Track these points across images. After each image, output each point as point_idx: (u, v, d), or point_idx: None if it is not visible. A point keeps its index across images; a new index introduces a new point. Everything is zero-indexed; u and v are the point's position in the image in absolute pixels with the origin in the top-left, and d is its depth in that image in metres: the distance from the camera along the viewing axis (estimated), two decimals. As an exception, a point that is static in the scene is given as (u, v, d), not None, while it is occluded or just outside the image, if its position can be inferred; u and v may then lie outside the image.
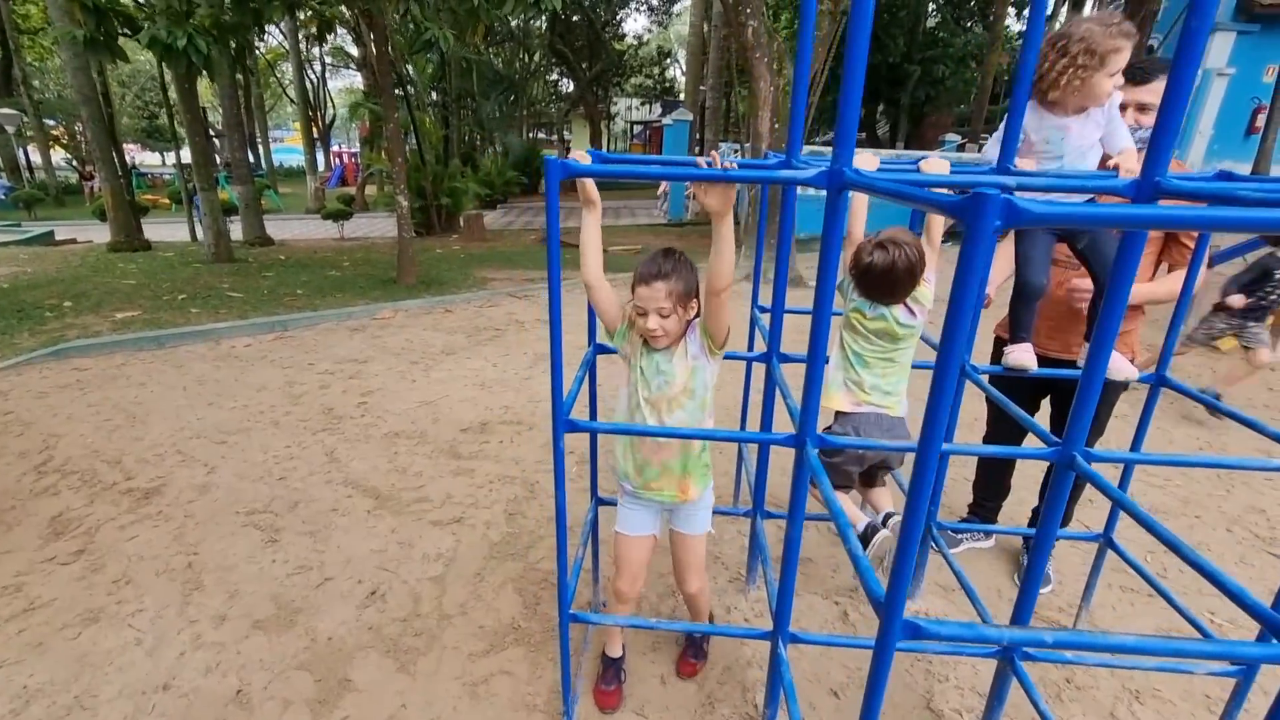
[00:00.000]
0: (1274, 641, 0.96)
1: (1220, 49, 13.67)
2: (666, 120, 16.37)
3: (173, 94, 10.95)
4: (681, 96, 27.48)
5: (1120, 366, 1.92)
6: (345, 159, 29.37)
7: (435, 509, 3.14)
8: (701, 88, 18.25)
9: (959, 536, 2.77)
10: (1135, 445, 2.03)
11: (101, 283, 7.80)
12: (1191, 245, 2.05)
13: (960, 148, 15.25)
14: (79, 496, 3.23)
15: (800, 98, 1.69)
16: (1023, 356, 2.05)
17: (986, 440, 2.74)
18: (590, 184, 1.51)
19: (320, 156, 27.90)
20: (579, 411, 1.81)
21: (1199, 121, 13.99)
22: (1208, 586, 2.58)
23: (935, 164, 1.79)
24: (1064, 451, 1.39)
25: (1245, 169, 12.22)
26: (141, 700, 2.05)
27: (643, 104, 36.41)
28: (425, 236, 12.65)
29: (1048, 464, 1.89)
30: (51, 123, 27.99)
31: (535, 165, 22.21)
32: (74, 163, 26.30)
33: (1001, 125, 1.79)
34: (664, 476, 1.75)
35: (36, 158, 25.31)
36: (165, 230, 12.99)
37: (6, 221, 14.93)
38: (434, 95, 17.18)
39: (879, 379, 2.04)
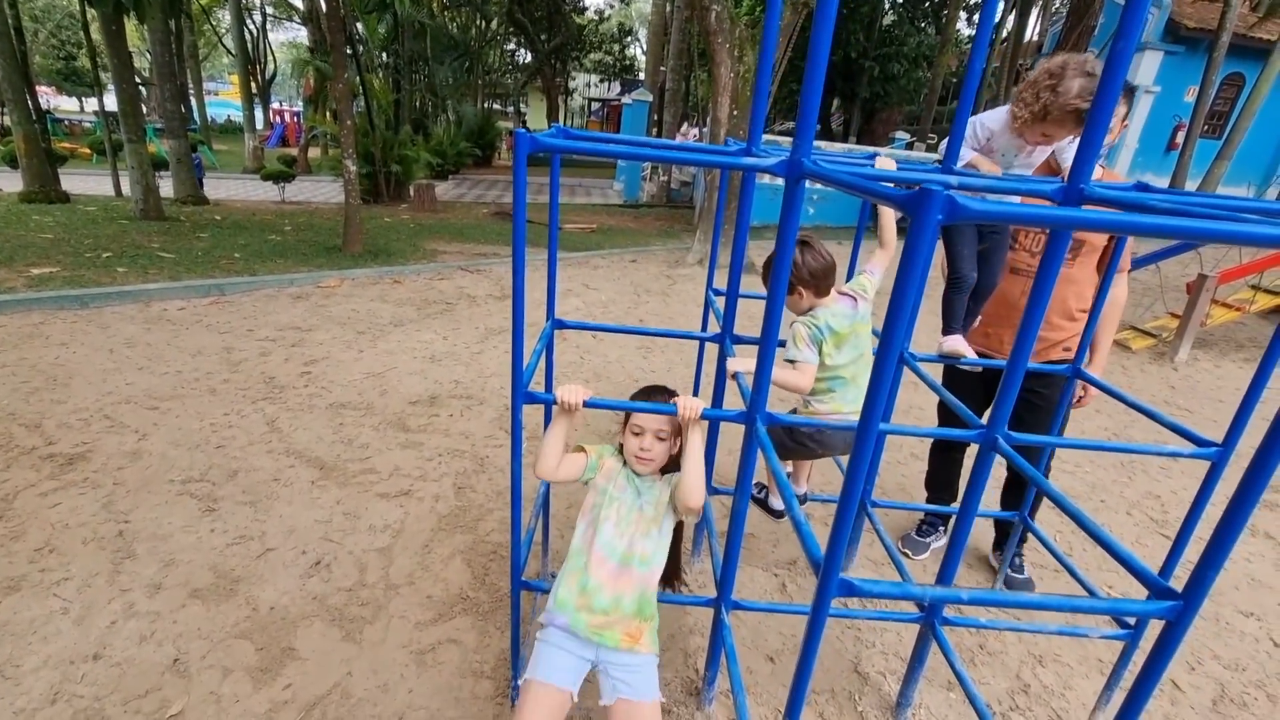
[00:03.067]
0: (1154, 600, 1.09)
1: (1148, 67, 14.50)
2: (626, 99, 16.25)
3: (96, 35, 10.16)
4: (641, 76, 27.27)
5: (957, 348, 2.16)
6: (287, 118, 27.93)
7: (382, 481, 3.11)
8: (662, 68, 18.17)
9: (926, 541, 2.85)
10: (1051, 431, 2.20)
11: (14, 235, 7.23)
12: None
13: (909, 146, 15.72)
14: (-7, 461, 3.05)
15: (763, 85, 1.73)
16: (955, 344, 2.18)
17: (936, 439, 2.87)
18: (576, 395, 1.53)
19: (259, 114, 26.41)
20: (536, 387, 1.83)
21: (1125, 136, 14.85)
22: (1109, 564, 2.84)
23: (885, 161, 1.89)
24: (988, 434, 1.51)
25: (1164, 182, 13.08)
26: (69, 669, 1.98)
27: (602, 81, 35.94)
28: (373, 204, 12.23)
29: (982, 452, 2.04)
30: (-49, 57, 25.55)
31: (489, 137, 21.69)
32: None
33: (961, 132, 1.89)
34: (613, 612, 1.51)
35: (-66, 94, 23.10)
36: (87, 182, 12.12)
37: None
38: (385, 57, 16.49)
39: (860, 388, 2.25)
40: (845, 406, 2.26)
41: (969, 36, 22.93)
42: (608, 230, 11.23)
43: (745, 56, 7.67)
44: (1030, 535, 2.45)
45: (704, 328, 2.53)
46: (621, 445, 1.67)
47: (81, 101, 37.87)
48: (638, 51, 35.82)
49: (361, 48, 13.74)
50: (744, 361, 1.88)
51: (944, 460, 2.84)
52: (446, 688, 2.01)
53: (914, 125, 20.60)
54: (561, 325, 2.10)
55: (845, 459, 2.56)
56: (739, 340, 2.10)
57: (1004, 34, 18.21)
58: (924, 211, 0.77)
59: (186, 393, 3.84)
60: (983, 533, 2.93)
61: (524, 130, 1.35)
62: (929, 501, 2.89)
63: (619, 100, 25.32)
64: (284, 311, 5.48)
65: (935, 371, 2.50)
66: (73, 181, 11.11)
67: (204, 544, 2.58)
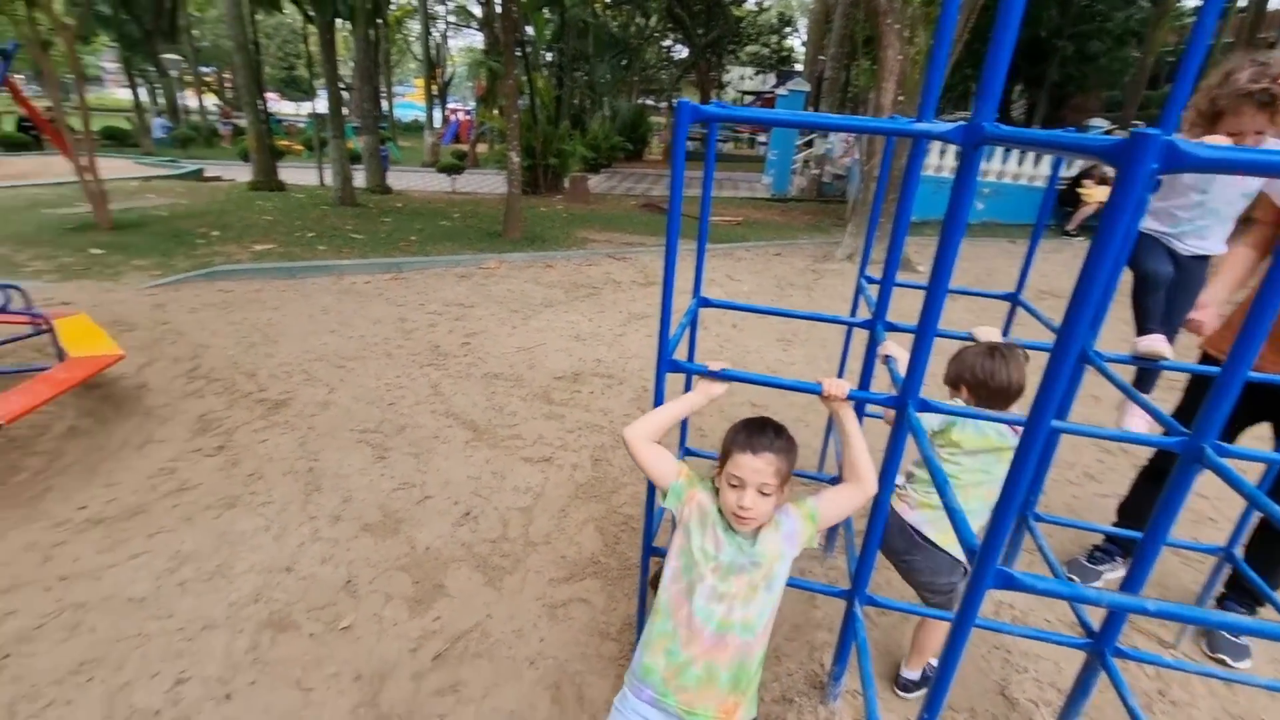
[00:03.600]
0: None
1: None
2: (781, 90, 15.86)
3: (312, 47, 11.72)
4: (798, 67, 26.46)
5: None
6: (460, 116, 30.46)
7: (527, 447, 3.31)
8: (821, 58, 17.50)
9: (1098, 569, 2.53)
10: None
11: (243, 217, 8.59)
12: None
13: (1108, 134, 13.86)
14: (220, 401, 3.64)
15: (940, 57, 1.61)
16: (1154, 344, 1.90)
17: (1151, 461, 2.49)
18: (715, 385, 1.54)
19: (437, 113, 29.12)
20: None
21: None
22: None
23: (988, 331, 1.94)
24: (1192, 442, 1.30)
25: None
26: (269, 577, 2.33)
27: (757, 73, 35.33)
28: (530, 195, 13.01)
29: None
30: (206, 70, 30.69)
31: (641, 131, 22.19)
32: (221, 107, 28.80)
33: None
34: (706, 686, 1.30)
35: (192, 102, 27.90)
36: (297, 174, 14.04)
37: (165, 157, 16.60)
38: (549, 56, 17.44)
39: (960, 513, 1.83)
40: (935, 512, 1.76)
41: (1193, 9, 19.66)
42: (753, 224, 11.07)
43: (916, 38, 7.17)
44: (1243, 579, 2.07)
45: (853, 313, 2.42)
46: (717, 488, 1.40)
47: (298, 105, 43.99)
48: (795, 42, 34.80)
49: (529, 48, 14.62)
50: (897, 346, 1.77)
51: (1152, 490, 2.38)
52: (574, 642, 2.11)
53: (1114, 113, 18.11)
54: (707, 304, 2.11)
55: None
56: (891, 328, 1.98)
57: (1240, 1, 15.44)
58: (1137, 160, 0.68)
59: (367, 355, 4.35)
60: (1177, 568, 2.54)
61: (685, 100, 1.36)
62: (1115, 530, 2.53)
63: (773, 92, 24.77)
64: (450, 289, 6.00)
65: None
66: (287, 173, 12.89)
67: (375, 486, 2.91)
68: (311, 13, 8.99)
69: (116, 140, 19.74)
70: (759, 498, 1.30)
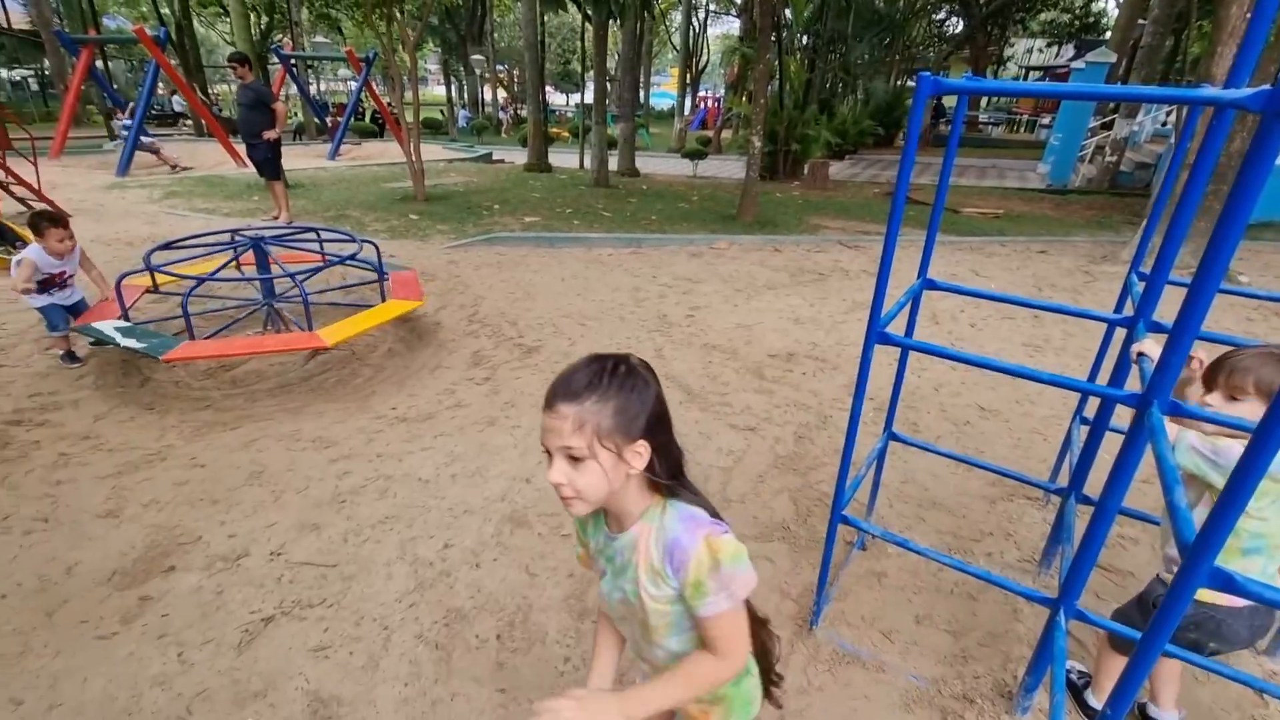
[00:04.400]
0: None
1: None
2: (1077, 64, 13.62)
3: (587, 42, 13.02)
4: (1105, 35, 22.37)
5: None
6: (710, 103, 31.29)
7: (734, 414, 3.49)
8: (1141, 21, 14.58)
9: None
10: None
11: (517, 194, 9.98)
12: None
13: None
14: (489, 342, 4.40)
15: (1265, 10, 1.37)
16: None
17: None
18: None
19: (687, 101, 30.33)
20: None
21: None
22: None
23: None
24: None
25: None
26: (512, 484, 2.83)
27: (1049, 44, 30.64)
28: (768, 180, 13.03)
29: None
30: (500, 68, 35.62)
31: (897, 115, 20.71)
32: (505, 100, 33.32)
33: None
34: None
35: (488, 95, 32.68)
36: (561, 158, 15.78)
37: (464, 143, 19.77)
38: (804, 39, 17.08)
39: None
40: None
41: None
42: (1015, 217, 9.80)
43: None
44: None
45: (1118, 310, 2.15)
46: None
47: (567, 97, 48.96)
48: (1108, 4, 29.30)
49: (785, 30, 14.49)
50: (1155, 344, 1.57)
51: None
52: (755, 594, 2.24)
53: None
54: (932, 285, 2.05)
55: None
56: (1157, 329, 1.74)
57: None
58: None
59: (605, 316, 4.87)
60: None
61: (925, 73, 1.37)
62: None
63: (1066, 67, 21.29)
64: (682, 265, 6.39)
65: None
66: (555, 157, 14.56)
67: (600, 427, 3.33)
68: (589, 12, 10.02)
69: (431, 129, 24.01)
70: (569, 468, 0.90)
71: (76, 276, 3.82)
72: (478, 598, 2.20)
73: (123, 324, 3.57)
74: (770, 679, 1.19)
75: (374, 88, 15.46)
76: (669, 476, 0.98)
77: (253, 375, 3.85)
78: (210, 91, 24.18)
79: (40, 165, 7.89)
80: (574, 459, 0.90)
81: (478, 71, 27.79)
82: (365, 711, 1.80)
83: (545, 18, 14.92)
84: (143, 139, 11.30)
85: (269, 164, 7.27)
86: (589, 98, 16.67)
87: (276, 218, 7.42)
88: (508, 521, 2.59)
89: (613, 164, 11.98)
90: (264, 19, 23.77)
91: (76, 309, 3.79)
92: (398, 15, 8.79)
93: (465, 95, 30.72)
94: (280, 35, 24.05)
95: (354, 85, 16.48)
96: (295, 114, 18.85)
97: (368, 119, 21.41)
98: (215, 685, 1.87)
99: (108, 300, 3.82)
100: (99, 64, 15.96)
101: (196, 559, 2.35)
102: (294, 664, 1.94)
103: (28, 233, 4.21)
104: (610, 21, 10.23)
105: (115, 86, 15.60)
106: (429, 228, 7.48)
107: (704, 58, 31.76)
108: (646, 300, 5.29)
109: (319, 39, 29.43)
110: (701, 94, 34.82)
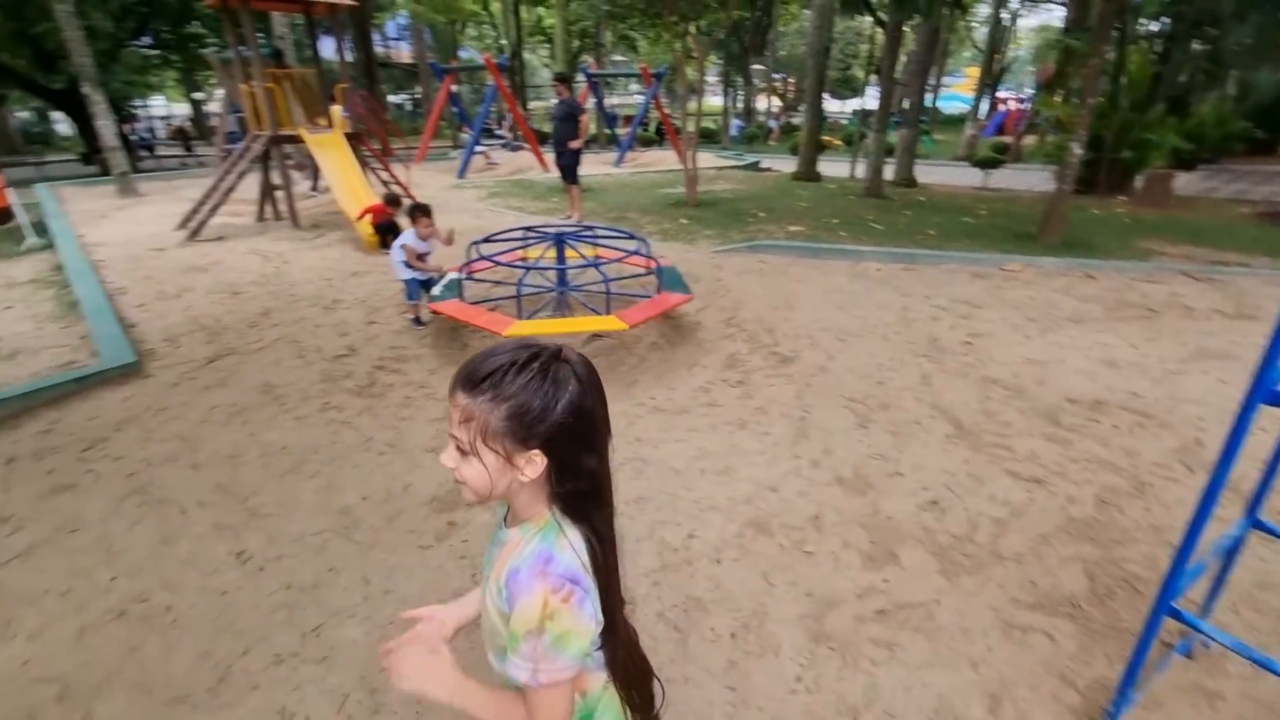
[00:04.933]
0: None
1: None
2: None
3: (875, 45, 12.40)
4: None
5: None
6: (1011, 105, 27.68)
7: (1014, 460, 3.04)
8: None
9: None
10: None
11: (784, 202, 9.95)
12: None
13: None
14: (745, 346, 4.46)
15: None
16: None
17: None
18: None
19: (984, 104, 27.13)
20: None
21: None
22: None
23: None
24: None
25: None
26: (758, 489, 2.84)
27: None
28: (1083, 194, 11.06)
29: None
30: (777, 76, 35.75)
31: (1286, 114, 15.99)
32: (779, 109, 33.27)
33: None
34: None
35: (760, 104, 33.04)
36: (831, 167, 15.28)
37: (733, 151, 20.30)
38: (1152, 26, 14.07)
39: None
40: None
41: None
42: None
43: None
44: None
45: None
46: None
47: (842, 103, 47.26)
48: None
49: (1129, 16, 12.14)
50: None
51: None
52: (1028, 670, 1.93)
53: None
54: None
55: None
56: None
57: None
58: None
59: (866, 334, 4.62)
60: None
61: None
62: None
63: None
64: (961, 286, 5.76)
65: None
66: (824, 166, 14.17)
67: (853, 448, 3.17)
68: (884, 16, 9.56)
69: (705, 138, 25.07)
70: (457, 456, 0.83)
71: (432, 256, 4.80)
72: (716, 593, 2.26)
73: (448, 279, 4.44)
74: (644, 694, 1.03)
75: (660, 100, 16.69)
76: (573, 501, 0.86)
77: (541, 352, 4.44)
78: (527, 107, 28.44)
79: (408, 169, 10.09)
80: (461, 450, 0.83)
81: (755, 81, 28.34)
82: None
83: (834, 23, 14.58)
84: (479, 147, 13.78)
85: (571, 169, 8.30)
86: (869, 103, 15.89)
87: (569, 216, 8.45)
88: (750, 525, 2.60)
89: (888, 173, 11.28)
90: (576, 42, 27.20)
91: (429, 284, 4.76)
92: (691, 31, 9.35)
93: (740, 104, 31.54)
94: (587, 56, 27.31)
95: (641, 99, 18.02)
96: (591, 126, 21.29)
97: (652, 129, 23.19)
98: (495, 609, 2.21)
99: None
100: (453, 88, 19.82)
101: (490, 500, 2.79)
102: (555, 609, 2.20)
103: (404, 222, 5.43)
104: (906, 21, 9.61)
105: (460, 106, 19.24)
106: (697, 232, 7.86)
107: (1008, 55, 28.13)
108: (916, 321, 4.88)
109: (617, 57, 32.73)
110: (1000, 95, 30.94)
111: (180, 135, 24.22)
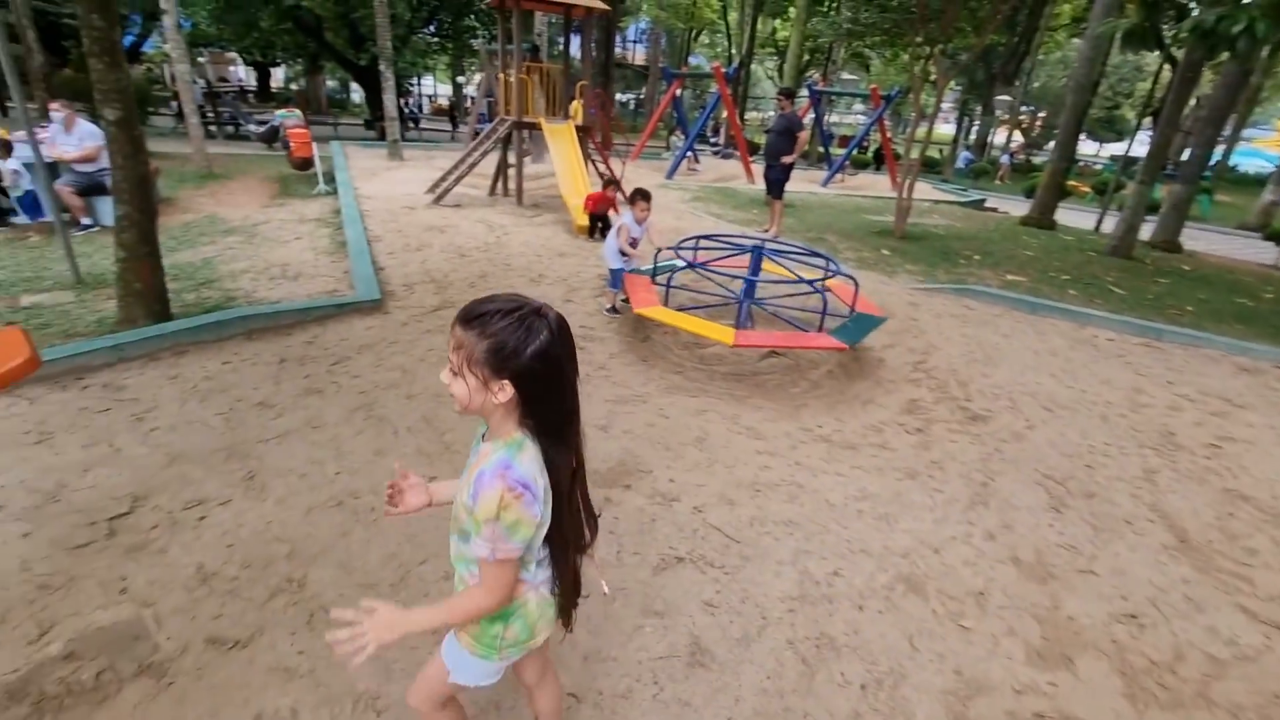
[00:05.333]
0: None
1: None
2: None
3: (1154, 86, 10.72)
4: None
5: None
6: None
7: (1253, 596, 2.52)
8: None
9: None
10: None
11: (1005, 248, 9.03)
12: None
13: None
14: (931, 394, 4.16)
15: None
16: None
17: None
18: None
19: (1297, 165, 22.22)
20: None
21: None
22: None
23: None
24: None
25: None
26: (918, 547, 2.66)
27: None
28: None
29: None
30: (1025, 110, 32.29)
31: None
32: (1018, 146, 29.96)
33: None
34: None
35: (998, 139, 30.07)
36: (1071, 216, 13.54)
37: (957, 185, 18.76)
38: None
39: None
40: None
41: None
42: None
43: None
44: None
45: None
46: None
47: (1100, 146, 41.40)
48: None
49: None
50: None
51: None
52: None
53: None
54: None
55: None
56: None
57: None
58: None
59: (1079, 408, 4.07)
60: None
61: None
62: None
63: None
64: (1219, 378, 4.83)
65: None
66: (1062, 214, 12.60)
67: (1038, 530, 2.83)
68: (1175, 53, 8.21)
69: (925, 167, 23.51)
70: (449, 375, 1.11)
71: (641, 243, 5.07)
72: (852, 638, 2.17)
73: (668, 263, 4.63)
74: (571, 602, 1.34)
75: (885, 123, 15.94)
76: (539, 424, 1.12)
77: (714, 358, 4.51)
78: (744, 118, 28.66)
79: (624, 164, 10.71)
80: (452, 371, 1.09)
81: (996, 112, 25.89)
82: (729, 679, 1.98)
83: (1108, 55, 12.88)
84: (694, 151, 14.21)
85: (778, 184, 8.27)
86: (1136, 149, 13.83)
87: (767, 230, 8.42)
88: (902, 581, 2.45)
89: (1144, 232, 9.74)
90: (805, 57, 26.85)
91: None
92: (934, 55, 8.80)
93: (973, 136, 29.04)
94: (813, 72, 26.84)
95: (861, 119, 17.29)
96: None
97: (869, 153, 22.24)
98: (633, 588, 2.32)
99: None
100: (677, 92, 20.60)
101: (644, 487, 2.92)
102: (688, 605, 2.26)
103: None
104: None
105: (680, 110, 19.96)
106: (898, 265, 7.43)
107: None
108: (1149, 407, 4.20)
109: (845, 75, 31.77)
110: (1323, 158, 25.26)
111: (442, 111, 27.97)
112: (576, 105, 9.01)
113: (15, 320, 4.13)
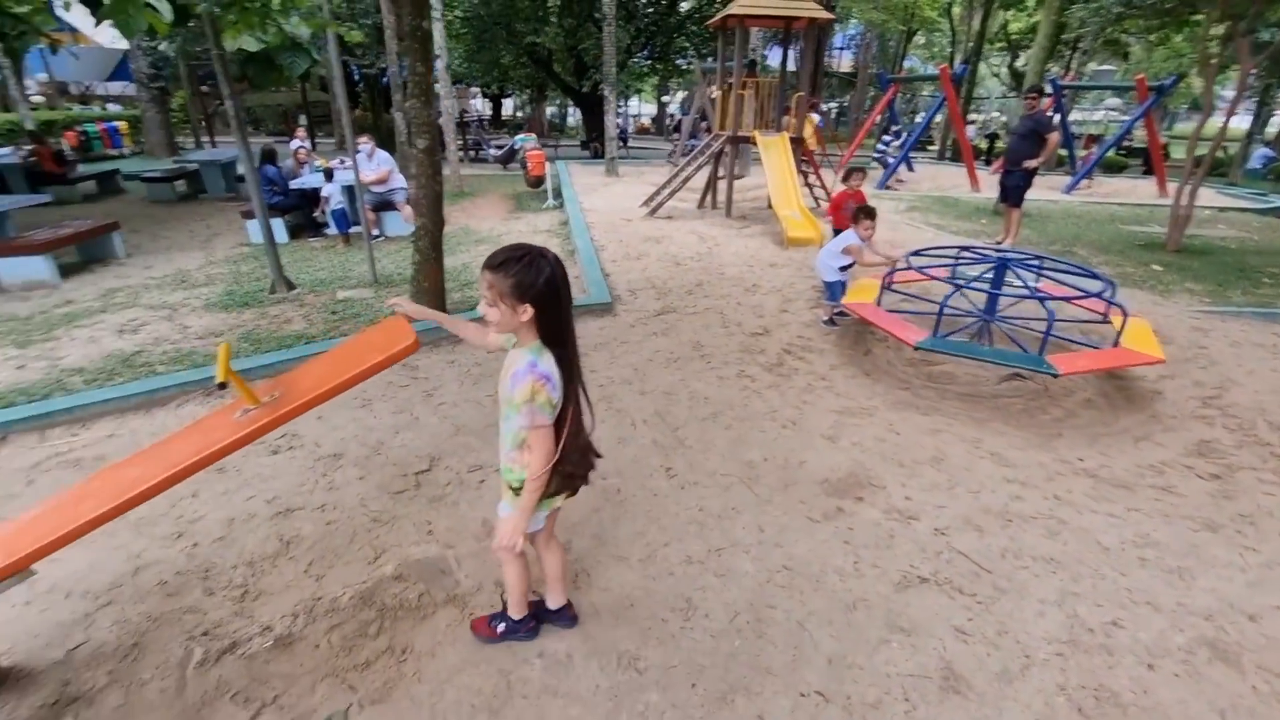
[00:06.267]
0: None
1: None
2: None
3: None
4: None
5: None
6: None
7: None
8: None
9: None
10: None
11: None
12: None
13: None
14: (1230, 437, 3.48)
15: None
16: None
17: None
18: None
19: None
20: None
21: None
22: None
23: None
24: None
25: None
26: (1226, 609, 2.25)
27: None
28: None
29: None
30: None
31: None
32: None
33: None
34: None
35: (1317, 132, 23.99)
36: None
37: (1252, 189, 15.33)
38: None
39: None
40: None
41: None
42: None
43: None
44: None
45: None
46: None
47: None
48: None
49: None
50: None
51: None
52: None
53: None
54: None
55: None
56: None
57: None
58: None
59: None
60: None
61: None
62: None
63: None
64: None
65: None
66: None
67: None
68: None
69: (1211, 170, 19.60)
70: (485, 305, 1.57)
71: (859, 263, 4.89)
72: (1142, 698, 1.91)
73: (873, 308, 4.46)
74: (578, 473, 1.77)
75: (1153, 119, 13.63)
76: (549, 335, 1.59)
77: (945, 376, 4.22)
78: (968, 120, 26.26)
79: (835, 173, 10.42)
80: (489, 303, 1.54)
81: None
82: (990, 713, 1.86)
83: None
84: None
85: (1017, 191, 7.48)
86: None
87: (1000, 241, 7.65)
88: (1205, 645, 2.10)
89: None
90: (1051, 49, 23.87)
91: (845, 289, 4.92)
92: (1237, 30, 7.32)
93: (1272, 129, 23.61)
94: (1052, 65, 23.74)
95: (1107, 115, 14.93)
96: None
97: (1128, 153, 19.17)
98: (874, 600, 2.27)
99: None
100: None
101: (879, 501, 2.84)
102: (937, 627, 2.15)
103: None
104: None
105: (895, 115, 18.82)
106: (1173, 283, 6.31)
107: None
108: None
109: (1097, 65, 27.71)
110: None
111: (646, 131, 29.43)
112: (794, 118, 8.98)
113: (336, 310, 5.18)
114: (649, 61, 23.27)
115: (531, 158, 11.14)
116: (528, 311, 1.53)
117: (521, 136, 14.35)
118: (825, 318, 5.00)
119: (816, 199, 9.93)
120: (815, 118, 11.30)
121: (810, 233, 7.64)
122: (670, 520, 2.68)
